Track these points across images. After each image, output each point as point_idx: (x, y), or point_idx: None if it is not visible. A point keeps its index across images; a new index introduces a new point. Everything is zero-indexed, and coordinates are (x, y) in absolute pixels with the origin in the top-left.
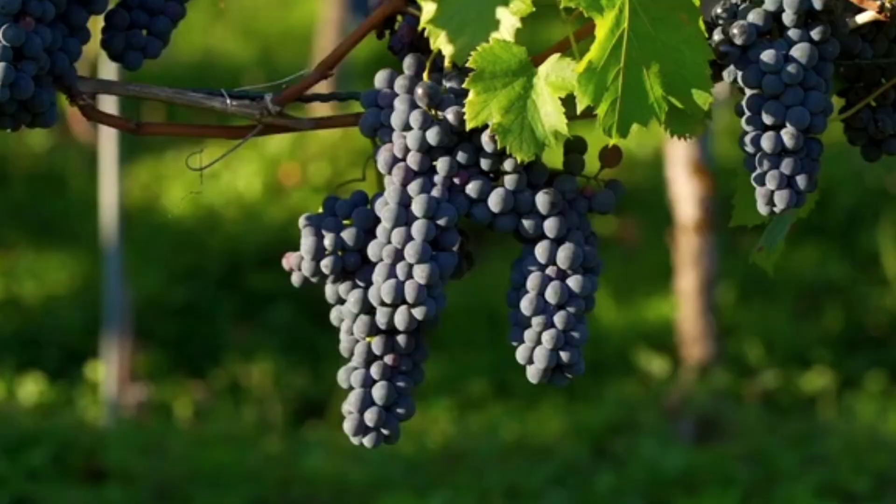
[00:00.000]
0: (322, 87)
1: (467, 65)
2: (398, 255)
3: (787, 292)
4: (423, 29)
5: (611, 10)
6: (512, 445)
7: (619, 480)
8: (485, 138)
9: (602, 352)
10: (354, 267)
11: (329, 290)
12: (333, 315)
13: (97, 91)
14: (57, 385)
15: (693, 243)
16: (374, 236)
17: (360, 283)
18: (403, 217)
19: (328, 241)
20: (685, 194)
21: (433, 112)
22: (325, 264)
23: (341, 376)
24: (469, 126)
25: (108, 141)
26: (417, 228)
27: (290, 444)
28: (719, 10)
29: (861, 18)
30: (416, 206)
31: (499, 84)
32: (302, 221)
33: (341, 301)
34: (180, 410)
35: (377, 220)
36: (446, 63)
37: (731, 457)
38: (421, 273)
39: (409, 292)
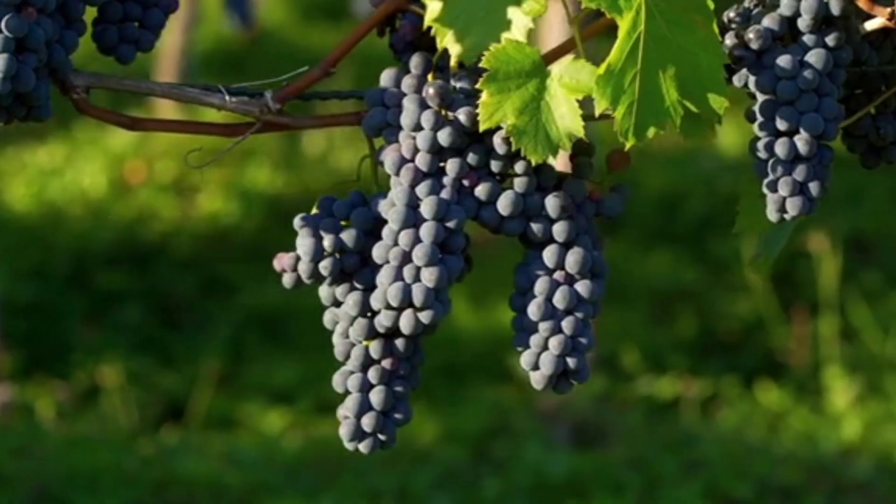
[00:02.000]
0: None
1: (480, 65)
2: (405, 258)
3: (641, 297)
4: (426, 28)
5: (629, 11)
6: (391, 449)
7: (505, 485)
8: (497, 140)
9: (459, 355)
10: (353, 269)
11: (325, 292)
12: (327, 318)
13: (91, 85)
14: None
15: None
16: (373, 238)
17: (359, 286)
18: (411, 219)
19: (327, 242)
20: None
21: (444, 113)
22: (324, 266)
23: (337, 380)
24: (483, 127)
25: None
26: (426, 230)
27: (163, 446)
28: (732, 14)
29: (870, 25)
30: (426, 208)
31: (512, 85)
32: (298, 222)
33: (337, 303)
34: (43, 411)
35: (377, 221)
36: (452, 63)
37: (615, 462)
38: (429, 276)
39: (417, 296)
